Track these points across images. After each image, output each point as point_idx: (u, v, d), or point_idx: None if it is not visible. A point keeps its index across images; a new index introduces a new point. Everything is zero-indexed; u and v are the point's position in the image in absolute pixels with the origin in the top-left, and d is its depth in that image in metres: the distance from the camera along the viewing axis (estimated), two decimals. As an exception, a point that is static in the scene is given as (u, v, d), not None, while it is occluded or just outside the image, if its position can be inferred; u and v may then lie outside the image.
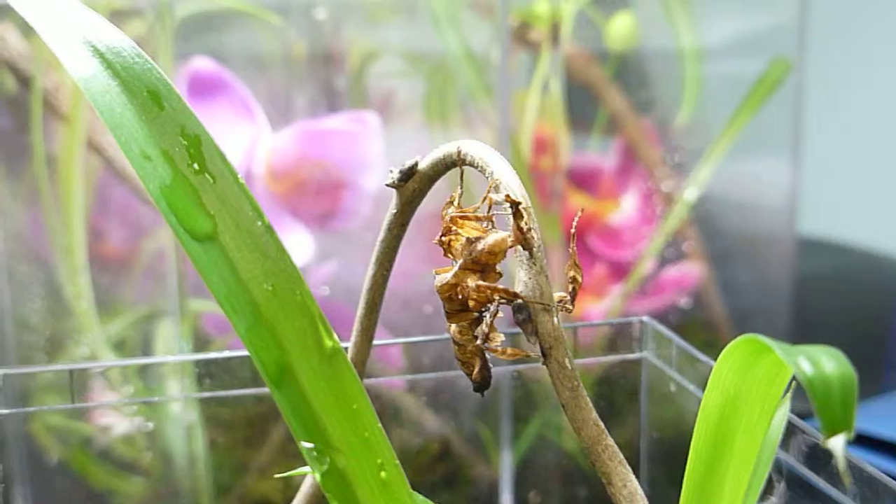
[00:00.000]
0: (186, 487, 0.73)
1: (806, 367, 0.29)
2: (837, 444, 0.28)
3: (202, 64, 0.73)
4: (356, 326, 0.47)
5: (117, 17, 0.72)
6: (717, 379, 0.36)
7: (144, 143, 0.35)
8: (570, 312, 0.39)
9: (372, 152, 0.74)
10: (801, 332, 0.88)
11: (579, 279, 0.38)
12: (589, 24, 0.87)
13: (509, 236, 0.37)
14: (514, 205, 0.36)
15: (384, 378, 0.65)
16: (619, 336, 0.57)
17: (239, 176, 0.36)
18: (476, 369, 0.40)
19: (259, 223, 0.36)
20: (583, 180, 0.88)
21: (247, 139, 0.73)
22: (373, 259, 0.45)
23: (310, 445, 0.34)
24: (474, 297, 0.37)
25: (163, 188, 0.35)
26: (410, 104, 0.82)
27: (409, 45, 0.82)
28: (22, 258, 0.76)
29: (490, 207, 0.39)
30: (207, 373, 0.57)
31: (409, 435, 0.75)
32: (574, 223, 0.38)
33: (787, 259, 0.90)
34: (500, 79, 0.77)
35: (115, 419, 0.72)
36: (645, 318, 0.55)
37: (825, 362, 0.29)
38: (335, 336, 0.36)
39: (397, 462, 0.36)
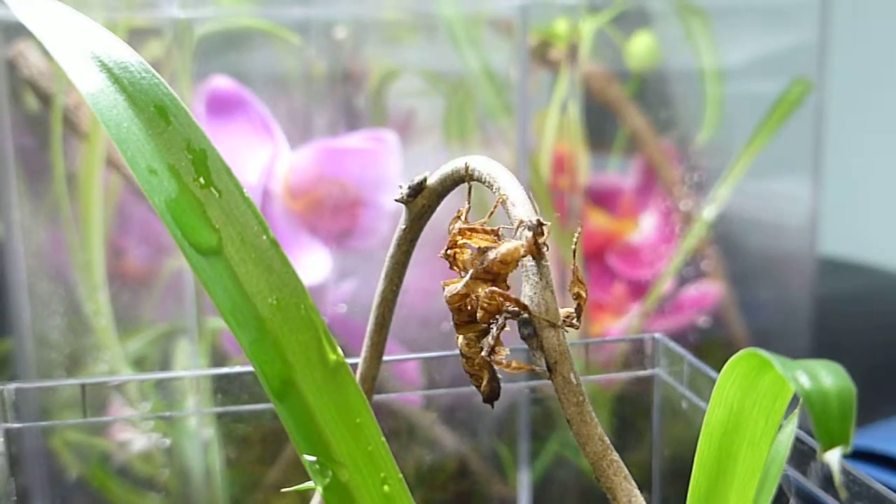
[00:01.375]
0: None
1: (804, 381, 0.29)
2: (833, 457, 0.28)
3: (221, 82, 0.73)
4: (366, 342, 0.47)
5: (136, 35, 0.73)
6: (720, 394, 0.36)
7: (151, 158, 0.35)
8: (576, 329, 0.39)
9: (390, 170, 0.74)
10: (822, 352, 0.87)
11: (584, 295, 0.38)
12: (609, 43, 0.87)
13: (522, 246, 0.37)
14: (538, 224, 0.37)
15: (400, 394, 0.65)
16: (633, 353, 0.56)
17: (244, 190, 0.36)
18: (484, 381, 0.40)
19: (264, 237, 0.36)
20: (602, 199, 0.88)
21: (265, 157, 0.73)
22: (382, 275, 0.46)
23: (312, 458, 0.34)
24: (485, 304, 0.38)
25: (168, 202, 0.35)
26: (430, 123, 0.83)
27: (429, 64, 0.82)
28: (42, 275, 0.76)
29: (485, 215, 0.39)
30: (222, 388, 0.57)
31: (426, 452, 0.75)
32: (575, 238, 0.38)
33: (808, 279, 0.90)
34: (518, 98, 0.77)
35: (133, 435, 0.72)
36: (657, 335, 0.55)
37: (824, 376, 0.29)
38: (339, 350, 0.36)
39: (401, 476, 0.36)
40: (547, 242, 0.37)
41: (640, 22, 0.87)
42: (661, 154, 0.87)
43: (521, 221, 0.37)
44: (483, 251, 0.38)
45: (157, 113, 0.36)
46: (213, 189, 0.36)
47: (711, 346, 0.88)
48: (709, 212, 0.85)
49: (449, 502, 0.76)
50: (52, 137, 0.74)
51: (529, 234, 0.37)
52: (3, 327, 0.78)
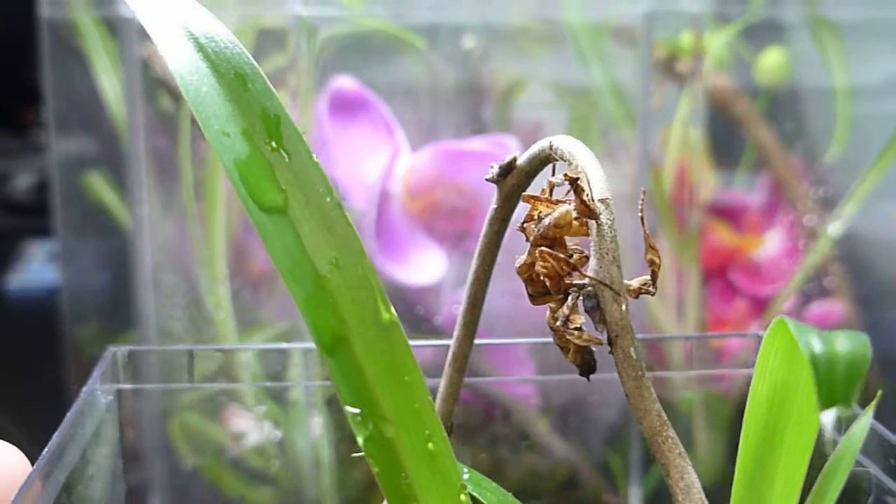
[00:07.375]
0: (312, 498, 0.74)
1: (816, 346, 0.28)
2: (828, 417, 0.28)
3: (345, 83, 0.75)
4: (458, 321, 0.47)
5: (263, 36, 0.75)
6: (762, 366, 0.35)
7: (225, 121, 0.36)
8: (652, 295, 0.39)
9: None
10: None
11: (657, 261, 0.38)
12: (739, 57, 0.87)
13: (574, 208, 0.37)
14: (573, 181, 0.37)
15: (492, 378, 0.65)
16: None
17: (313, 154, 0.37)
18: (570, 353, 0.40)
19: (328, 199, 0.36)
20: (727, 215, 0.88)
21: (385, 157, 0.74)
22: (475, 254, 0.46)
23: (356, 410, 0.35)
24: (542, 268, 0.38)
25: (237, 161, 0.36)
26: (555, 134, 0.83)
27: (554, 75, 0.83)
28: (167, 269, 0.78)
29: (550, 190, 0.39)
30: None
31: (537, 459, 0.75)
32: (640, 203, 0.39)
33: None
34: (640, 109, 0.77)
35: (246, 423, 0.74)
36: (759, 332, 0.54)
37: (840, 342, 0.29)
38: (393, 310, 0.36)
39: (445, 435, 0.37)
40: (596, 204, 0.37)
41: (770, 36, 0.86)
42: (790, 171, 0.86)
43: (566, 175, 0.38)
44: (541, 218, 0.38)
45: (236, 79, 0.37)
46: (282, 152, 0.37)
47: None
48: (833, 228, 0.83)
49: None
50: (181, 136, 0.76)
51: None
52: (130, 319, 0.80)
